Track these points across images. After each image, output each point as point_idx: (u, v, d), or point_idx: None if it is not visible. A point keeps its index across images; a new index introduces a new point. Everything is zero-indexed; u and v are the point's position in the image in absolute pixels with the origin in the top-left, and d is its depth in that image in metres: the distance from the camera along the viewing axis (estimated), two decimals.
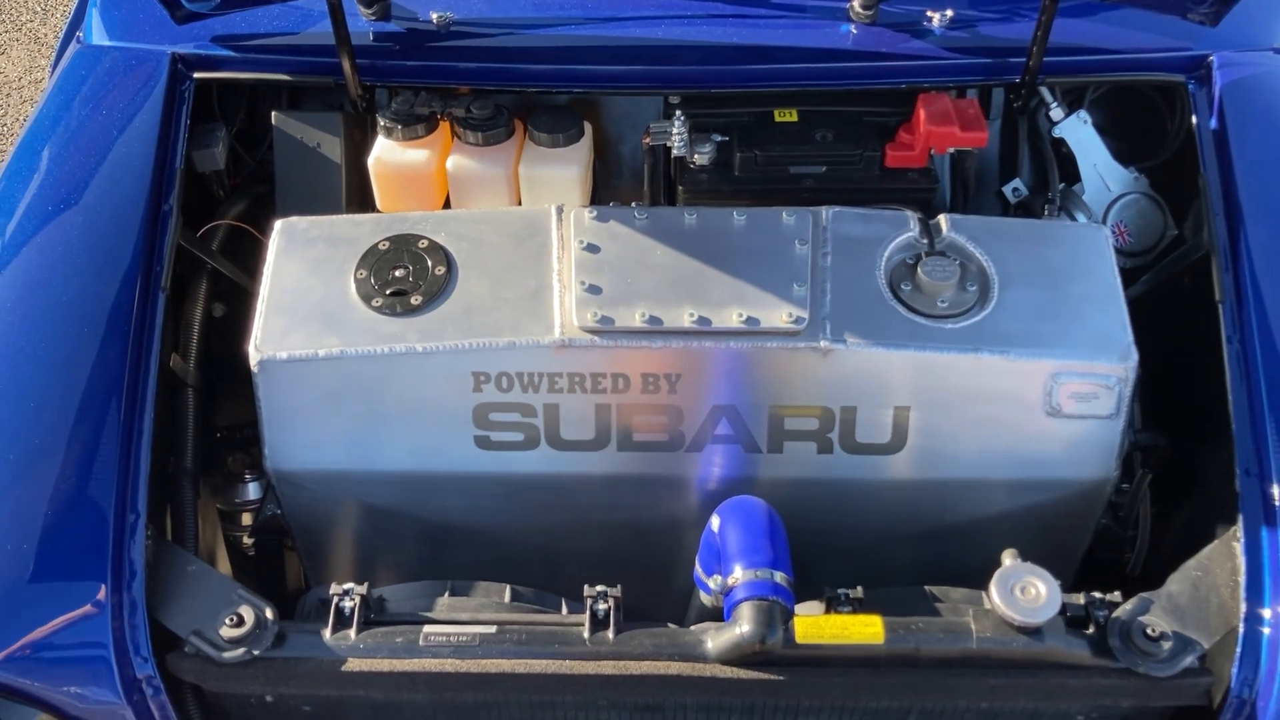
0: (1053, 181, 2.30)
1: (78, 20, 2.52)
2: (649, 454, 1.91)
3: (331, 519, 2.04)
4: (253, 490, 2.20)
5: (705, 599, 1.83)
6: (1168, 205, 2.32)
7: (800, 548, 1.77)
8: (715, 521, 1.79)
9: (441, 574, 1.89)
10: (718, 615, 1.80)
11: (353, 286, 1.89)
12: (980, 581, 1.76)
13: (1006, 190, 2.35)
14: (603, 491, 1.96)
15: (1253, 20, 2.26)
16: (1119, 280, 1.89)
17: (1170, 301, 2.17)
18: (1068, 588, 1.72)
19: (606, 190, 2.40)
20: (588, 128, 2.23)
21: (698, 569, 1.84)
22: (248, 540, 2.16)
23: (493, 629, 1.71)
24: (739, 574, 1.69)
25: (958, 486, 1.94)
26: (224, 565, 2.19)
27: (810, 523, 1.85)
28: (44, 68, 4.62)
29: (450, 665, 1.68)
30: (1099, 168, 2.31)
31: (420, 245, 1.92)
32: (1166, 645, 1.66)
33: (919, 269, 1.86)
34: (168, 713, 1.72)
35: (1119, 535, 2.02)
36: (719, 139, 2.17)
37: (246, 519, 2.18)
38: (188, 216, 2.11)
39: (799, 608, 1.73)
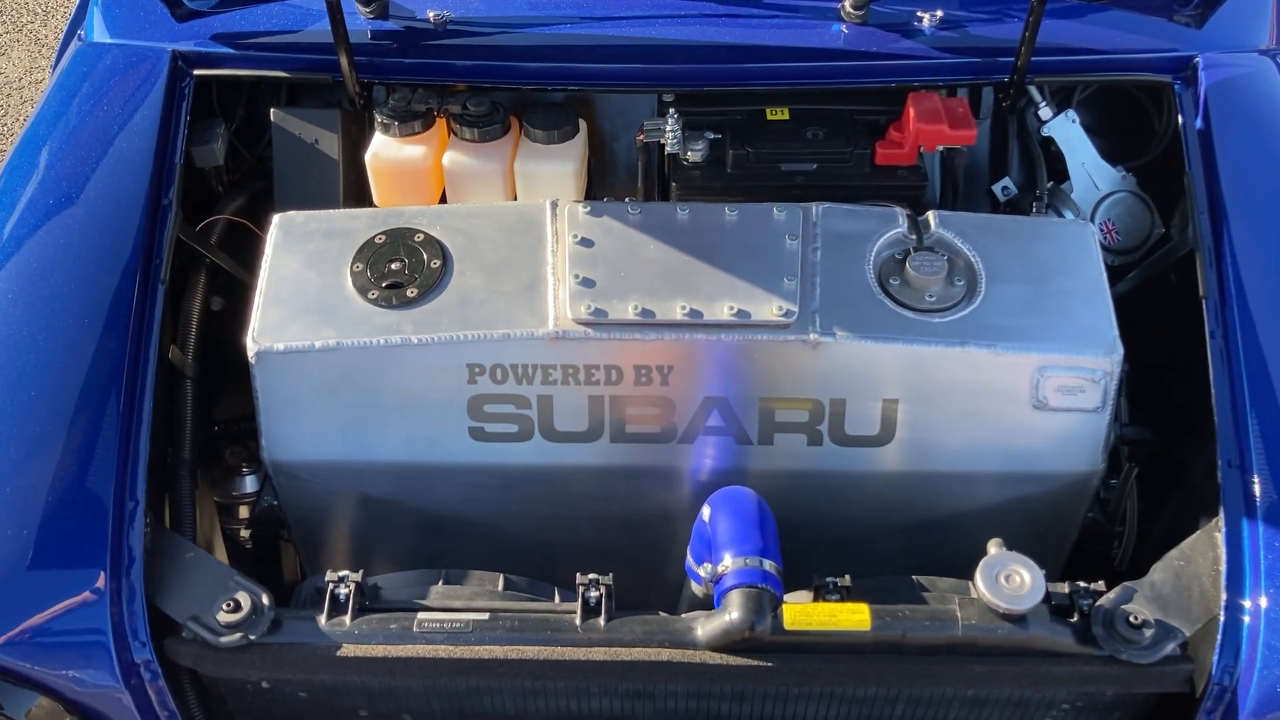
0: (1041, 179, 2.33)
1: (79, 18, 2.55)
2: (641, 445, 1.93)
3: (327, 510, 2.07)
4: (249, 483, 2.22)
5: (696, 589, 1.85)
6: (1155, 204, 2.35)
7: (790, 538, 1.79)
8: (706, 511, 1.81)
9: (436, 565, 1.92)
10: (709, 605, 1.82)
11: (349, 279, 1.91)
12: (968, 573, 1.79)
13: (996, 189, 2.38)
14: (596, 483, 1.98)
15: (1237, 23, 2.29)
16: (1105, 276, 1.92)
17: (1156, 298, 2.20)
18: (1055, 581, 1.74)
19: (600, 187, 2.43)
20: (582, 125, 2.26)
21: (689, 559, 1.86)
22: (244, 533, 2.18)
23: (486, 616, 1.73)
24: (729, 562, 1.71)
25: (945, 479, 1.96)
26: (221, 558, 2.20)
27: (800, 514, 1.87)
28: (44, 69, 4.64)
29: (444, 651, 1.70)
30: (1087, 166, 2.33)
31: (416, 239, 1.95)
32: (1149, 633, 1.68)
33: (907, 264, 1.89)
34: (165, 697, 1.74)
35: (1106, 529, 2.05)
36: (712, 136, 2.19)
37: (243, 512, 2.20)
38: (186, 212, 2.14)
39: (788, 596, 1.76)
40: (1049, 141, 2.35)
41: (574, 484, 1.99)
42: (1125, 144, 2.42)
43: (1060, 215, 2.32)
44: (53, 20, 4.85)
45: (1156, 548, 1.89)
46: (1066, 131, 2.34)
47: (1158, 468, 2.10)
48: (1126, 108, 2.45)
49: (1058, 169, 2.37)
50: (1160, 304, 2.18)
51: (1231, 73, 2.23)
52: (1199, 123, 2.17)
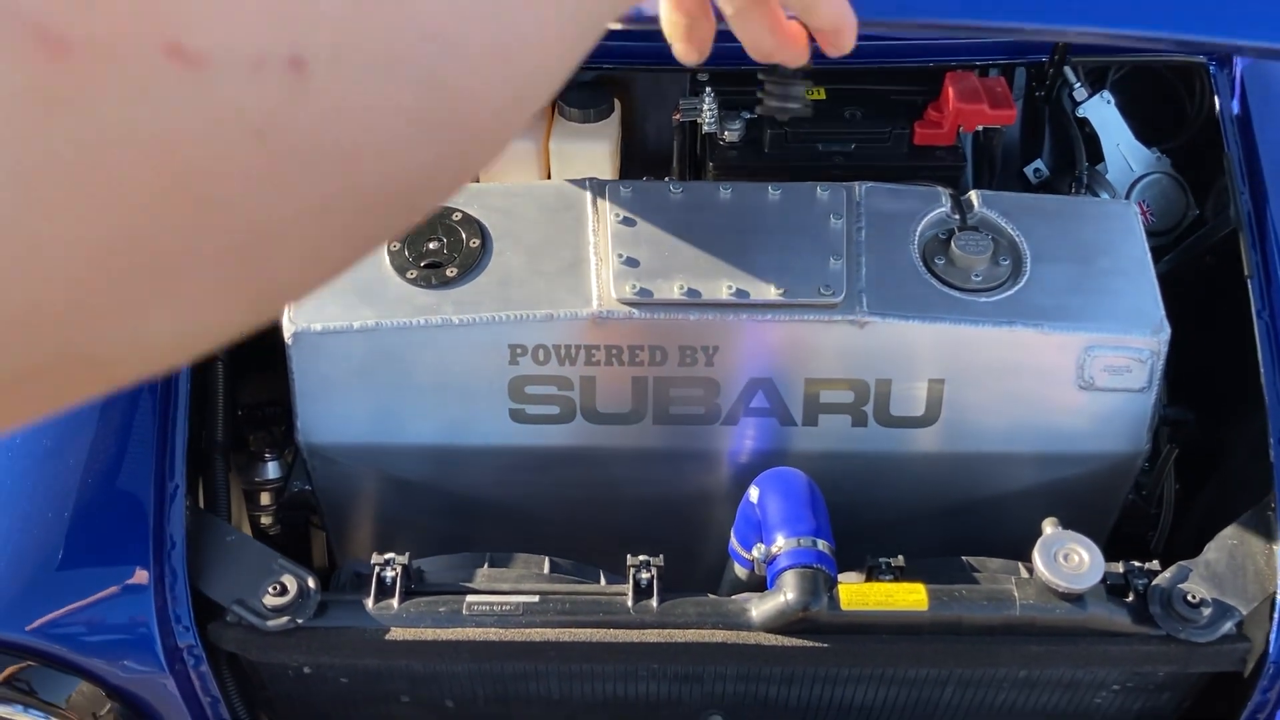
0: (1080, 161, 2.32)
1: None
2: (684, 427, 1.91)
3: (362, 493, 2.03)
4: (271, 469, 2.18)
5: (740, 572, 1.84)
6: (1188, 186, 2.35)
7: (832, 520, 1.77)
8: (754, 492, 1.79)
9: (465, 548, 1.89)
10: (752, 588, 1.80)
11: (386, 259, 1.88)
12: (1010, 554, 1.78)
13: (1028, 171, 2.37)
14: (636, 465, 1.96)
15: (1271, 6, 2.29)
16: (1149, 255, 1.91)
17: (1193, 280, 2.19)
18: None
19: (630, 167, 2.40)
20: (617, 104, 2.23)
21: (733, 542, 1.84)
22: (265, 520, 2.14)
23: (536, 598, 1.71)
24: (781, 543, 1.69)
25: (990, 460, 1.95)
26: None
27: (842, 496, 1.85)
28: None
29: (495, 634, 1.67)
30: (1122, 148, 2.32)
31: (453, 218, 1.92)
32: (1206, 611, 1.67)
33: (952, 243, 1.87)
34: (208, 683, 1.71)
35: (1146, 510, 2.04)
36: (748, 116, 2.17)
37: (265, 498, 2.16)
38: None
39: (839, 578, 1.74)
40: (1083, 122, 2.34)
41: (614, 466, 1.97)
42: (1155, 129, 2.42)
43: (1097, 196, 2.31)
44: None
45: (1193, 531, 1.88)
46: (1101, 113, 2.32)
47: (1192, 450, 2.09)
48: (1156, 92, 2.45)
49: (1092, 150, 2.35)
50: (1196, 285, 2.18)
51: None
52: (1234, 103, 2.16)
